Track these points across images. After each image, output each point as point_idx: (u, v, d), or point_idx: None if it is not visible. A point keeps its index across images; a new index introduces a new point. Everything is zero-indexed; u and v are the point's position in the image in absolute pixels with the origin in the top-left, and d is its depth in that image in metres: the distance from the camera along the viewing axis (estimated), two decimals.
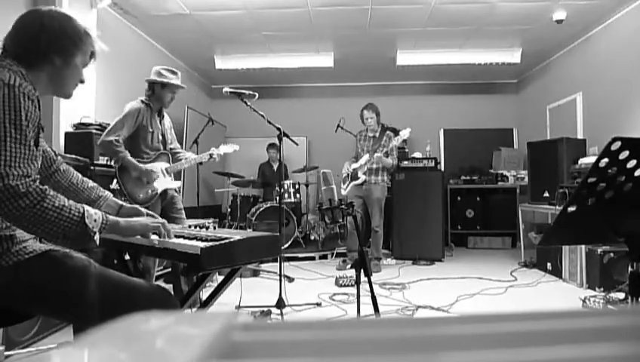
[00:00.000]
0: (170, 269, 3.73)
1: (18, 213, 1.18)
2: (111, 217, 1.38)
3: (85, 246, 1.32)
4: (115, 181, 3.10)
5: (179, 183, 3.31)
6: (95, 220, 1.30)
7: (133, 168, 2.97)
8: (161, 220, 1.57)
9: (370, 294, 2.45)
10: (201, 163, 3.38)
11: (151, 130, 3.10)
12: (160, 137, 3.19)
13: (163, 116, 3.23)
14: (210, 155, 3.34)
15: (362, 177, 4.90)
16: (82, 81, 1.50)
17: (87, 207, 1.31)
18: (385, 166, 4.95)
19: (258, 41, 5.72)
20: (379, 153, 4.77)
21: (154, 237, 1.51)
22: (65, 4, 3.63)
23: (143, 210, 1.67)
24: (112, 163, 3.00)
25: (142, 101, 3.08)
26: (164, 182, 3.13)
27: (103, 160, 3.45)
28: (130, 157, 2.96)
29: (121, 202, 1.72)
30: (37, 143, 1.31)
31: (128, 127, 2.97)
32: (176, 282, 3.30)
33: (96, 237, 1.31)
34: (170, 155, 3.24)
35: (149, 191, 3.05)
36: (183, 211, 3.28)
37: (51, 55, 1.38)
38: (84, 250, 1.54)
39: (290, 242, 5.81)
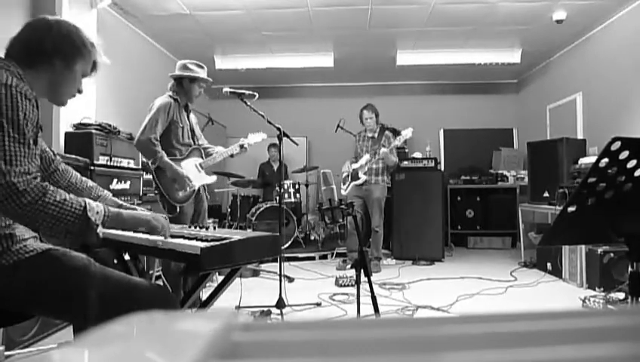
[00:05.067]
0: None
1: (20, 210, 1.18)
2: (113, 209, 1.38)
3: (88, 241, 1.32)
4: (150, 182, 3.07)
5: (214, 178, 3.30)
6: (97, 213, 1.30)
7: (169, 169, 2.94)
8: (162, 216, 1.56)
9: (370, 294, 2.45)
10: (232, 155, 3.31)
11: (181, 125, 3.06)
12: (189, 132, 3.15)
13: (190, 111, 3.20)
14: (241, 146, 3.29)
15: (363, 177, 4.90)
16: (80, 91, 1.50)
17: (88, 200, 1.31)
18: (389, 163, 4.95)
19: (258, 41, 5.72)
20: (385, 149, 4.74)
21: (157, 237, 1.51)
22: (65, 4, 3.62)
23: (140, 209, 1.67)
24: (150, 163, 2.95)
25: (170, 96, 3.04)
26: (200, 179, 3.11)
27: (102, 160, 3.44)
28: (167, 158, 2.92)
29: (120, 201, 1.72)
30: (35, 142, 1.31)
31: (162, 123, 2.93)
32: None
33: (99, 230, 1.31)
34: (201, 150, 3.21)
35: (188, 188, 3.02)
36: (206, 206, 3.31)
37: (54, 58, 1.39)
38: (85, 249, 1.54)
39: (290, 242, 5.81)
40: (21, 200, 1.18)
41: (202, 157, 3.19)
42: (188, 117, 3.17)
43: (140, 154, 2.96)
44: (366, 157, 4.93)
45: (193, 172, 3.09)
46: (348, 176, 5.05)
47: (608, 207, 1.25)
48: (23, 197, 1.18)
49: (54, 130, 3.58)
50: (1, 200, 1.17)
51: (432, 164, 5.71)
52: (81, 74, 1.46)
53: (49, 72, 1.40)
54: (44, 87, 1.41)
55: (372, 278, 2.50)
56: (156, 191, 3.04)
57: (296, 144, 3.83)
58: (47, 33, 1.38)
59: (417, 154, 6.18)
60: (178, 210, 2.98)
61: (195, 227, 1.91)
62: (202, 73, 3.10)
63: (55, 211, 1.22)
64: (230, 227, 5.94)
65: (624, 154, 1.12)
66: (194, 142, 3.19)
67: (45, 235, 1.42)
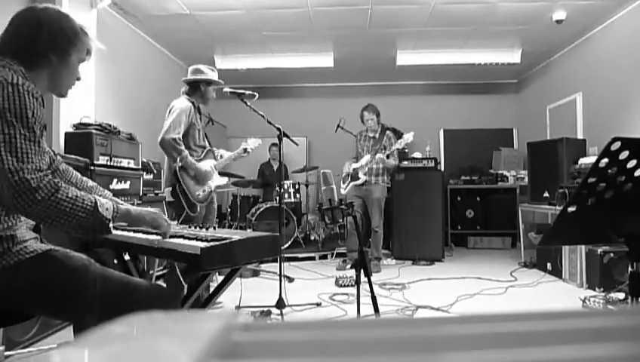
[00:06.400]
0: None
1: (34, 206, 1.19)
2: (121, 206, 1.40)
3: (100, 236, 1.34)
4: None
5: (226, 180, 3.34)
6: (107, 209, 1.32)
7: (192, 168, 3.00)
8: (164, 216, 1.57)
9: (370, 294, 2.45)
10: (234, 159, 3.39)
11: (198, 127, 3.14)
12: (203, 135, 3.23)
13: (202, 114, 3.28)
14: (245, 150, 3.35)
15: (363, 178, 4.89)
16: (78, 79, 1.51)
17: (97, 197, 1.33)
18: (388, 167, 4.95)
19: (258, 41, 5.72)
20: (381, 154, 4.76)
21: (155, 237, 1.51)
22: (65, 3, 3.63)
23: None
24: (178, 161, 2.95)
25: (187, 99, 3.10)
26: (215, 180, 3.19)
27: (102, 160, 3.44)
28: (190, 158, 2.99)
29: (121, 201, 1.72)
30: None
31: (184, 125, 3.00)
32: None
33: (111, 225, 1.33)
34: (214, 153, 3.28)
35: (206, 189, 3.09)
36: (216, 206, 3.35)
37: (49, 54, 1.39)
38: (85, 249, 1.54)
39: (290, 242, 5.81)
40: (35, 197, 1.19)
41: (215, 159, 3.26)
42: (201, 119, 3.25)
43: (165, 153, 3.02)
44: (367, 157, 4.92)
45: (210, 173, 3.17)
46: (347, 175, 5.05)
47: (608, 207, 1.25)
48: (37, 193, 1.19)
49: (54, 130, 3.58)
50: (15, 196, 1.18)
51: (432, 164, 5.72)
52: (77, 62, 1.47)
53: (47, 68, 1.40)
54: (45, 82, 1.42)
55: (372, 278, 2.50)
56: (179, 190, 3.00)
57: (296, 144, 3.83)
58: (39, 29, 1.37)
59: (417, 154, 6.18)
60: (198, 209, 3.04)
61: (196, 227, 1.91)
62: (215, 76, 3.21)
63: (67, 207, 1.23)
64: (230, 227, 5.94)
65: (624, 154, 1.12)
66: (207, 144, 3.26)
67: (62, 231, 1.43)
